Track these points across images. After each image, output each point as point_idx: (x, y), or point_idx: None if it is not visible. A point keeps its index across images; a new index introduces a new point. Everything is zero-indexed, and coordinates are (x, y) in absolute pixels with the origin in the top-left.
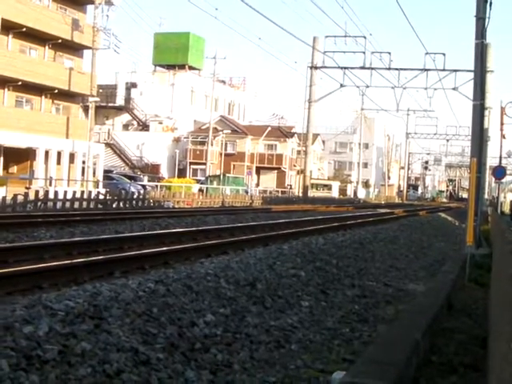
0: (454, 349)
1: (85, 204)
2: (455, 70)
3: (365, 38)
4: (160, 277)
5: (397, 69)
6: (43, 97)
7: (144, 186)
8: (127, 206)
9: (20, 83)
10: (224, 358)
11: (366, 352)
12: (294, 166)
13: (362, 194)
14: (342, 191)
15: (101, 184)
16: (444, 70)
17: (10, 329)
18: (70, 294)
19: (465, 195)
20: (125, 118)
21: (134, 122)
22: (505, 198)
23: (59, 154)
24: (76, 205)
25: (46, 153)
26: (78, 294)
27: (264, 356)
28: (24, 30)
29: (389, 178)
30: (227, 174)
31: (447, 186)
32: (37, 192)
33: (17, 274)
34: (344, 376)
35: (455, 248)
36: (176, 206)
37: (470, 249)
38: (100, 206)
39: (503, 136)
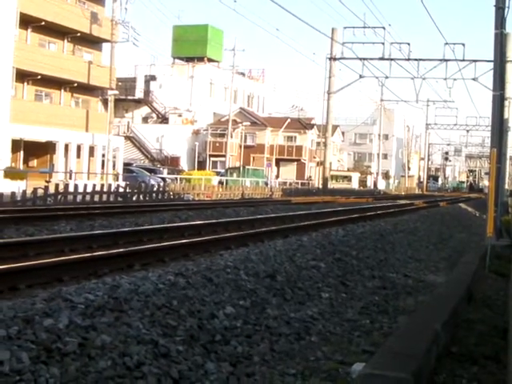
0: (475, 340)
1: (105, 197)
2: (475, 61)
3: (384, 28)
4: (180, 269)
5: (416, 59)
6: (62, 90)
7: (164, 179)
8: (147, 198)
9: (39, 77)
10: (244, 350)
11: (386, 343)
12: (314, 157)
13: (381, 185)
14: (362, 182)
15: (120, 177)
16: (463, 60)
17: (30, 322)
18: (90, 287)
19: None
20: (144, 110)
21: (154, 115)
22: None
23: (79, 147)
24: (96, 198)
25: (66, 146)
26: (97, 286)
27: (284, 348)
28: (43, 23)
29: (409, 168)
30: (247, 166)
31: (467, 177)
32: (57, 185)
33: (37, 267)
34: (364, 367)
35: (475, 239)
36: (196, 199)
37: (491, 240)
38: (120, 198)
39: None
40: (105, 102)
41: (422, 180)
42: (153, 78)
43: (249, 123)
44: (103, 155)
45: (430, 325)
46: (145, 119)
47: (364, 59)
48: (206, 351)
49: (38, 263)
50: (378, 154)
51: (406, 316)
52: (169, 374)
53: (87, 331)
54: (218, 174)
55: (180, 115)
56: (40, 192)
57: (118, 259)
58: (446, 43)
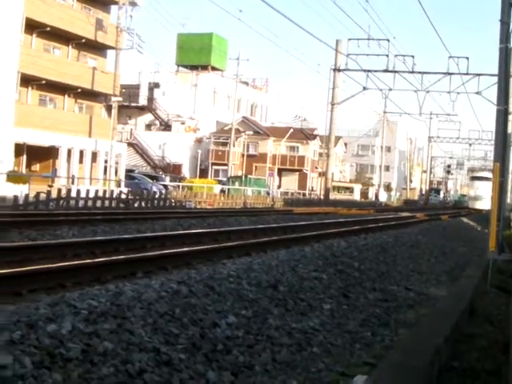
0: (477, 354)
1: (107, 203)
2: (479, 74)
3: (388, 41)
4: (182, 277)
5: (420, 72)
6: (66, 96)
7: (166, 186)
8: (149, 205)
9: (44, 82)
10: (245, 359)
11: (388, 356)
12: (316, 168)
13: (383, 197)
14: (364, 194)
15: (123, 183)
16: (467, 73)
17: (34, 327)
18: (93, 293)
19: None
20: (147, 117)
21: (157, 122)
22: None
23: (82, 152)
24: (98, 204)
25: (69, 151)
26: (100, 293)
27: (286, 358)
28: (48, 29)
29: (411, 181)
30: (249, 176)
31: None
32: (59, 190)
33: (40, 271)
34: (365, 380)
35: (477, 253)
36: (197, 207)
37: (493, 254)
38: (122, 205)
39: None
40: (108, 109)
41: (423, 193)
42: (156, 85)
43: (251, 132)
44: (106, 161)
45: (432, 339)
46: (148, 126)
47: (368, 71)
48: (208, 360)
49: (41, 268)
50: (380, 166)
51: (407, 329)
52: (170, 382)
53: (90, 337)
54: (219, 182)
55: (183, 123)
56: (42, 196)
57: (121, 266)
58: (450, 56)
